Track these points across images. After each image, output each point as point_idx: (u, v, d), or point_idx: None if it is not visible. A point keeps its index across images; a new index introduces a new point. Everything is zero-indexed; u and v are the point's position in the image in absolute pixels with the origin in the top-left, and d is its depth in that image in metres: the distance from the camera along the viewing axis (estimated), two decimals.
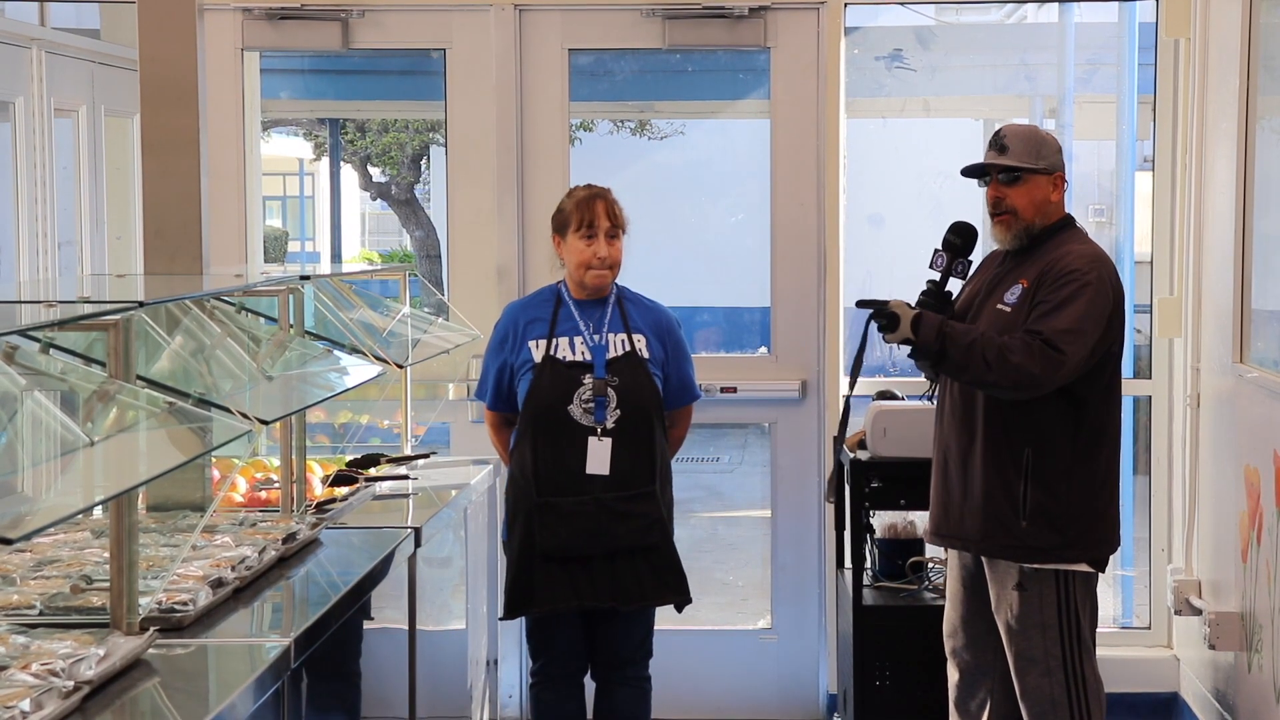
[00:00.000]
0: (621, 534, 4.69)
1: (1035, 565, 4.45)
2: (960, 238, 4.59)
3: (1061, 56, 7.90)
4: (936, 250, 4.59)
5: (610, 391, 4.71)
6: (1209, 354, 5.65)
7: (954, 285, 4.66)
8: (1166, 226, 6.06)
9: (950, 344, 4.37)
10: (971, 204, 4.67)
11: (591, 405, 4.70)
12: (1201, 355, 5.74)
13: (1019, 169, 4.49)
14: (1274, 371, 4.99)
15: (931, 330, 4.39)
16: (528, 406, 4.75)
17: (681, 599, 4.83)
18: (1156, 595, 6.21)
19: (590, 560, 4.69)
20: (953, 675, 4.74)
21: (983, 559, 4.56)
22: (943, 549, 4.89)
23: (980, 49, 8.65)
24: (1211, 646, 5.36)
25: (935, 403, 4.72)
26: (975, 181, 4.60)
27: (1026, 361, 4.32)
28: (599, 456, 4.68)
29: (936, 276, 4.58)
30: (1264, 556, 4.96)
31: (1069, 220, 4.60)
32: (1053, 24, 8.17)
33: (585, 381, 4.72)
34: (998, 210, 4.52)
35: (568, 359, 4.75)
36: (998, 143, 4.52)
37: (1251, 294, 5.26)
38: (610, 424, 4.70)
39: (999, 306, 4.48)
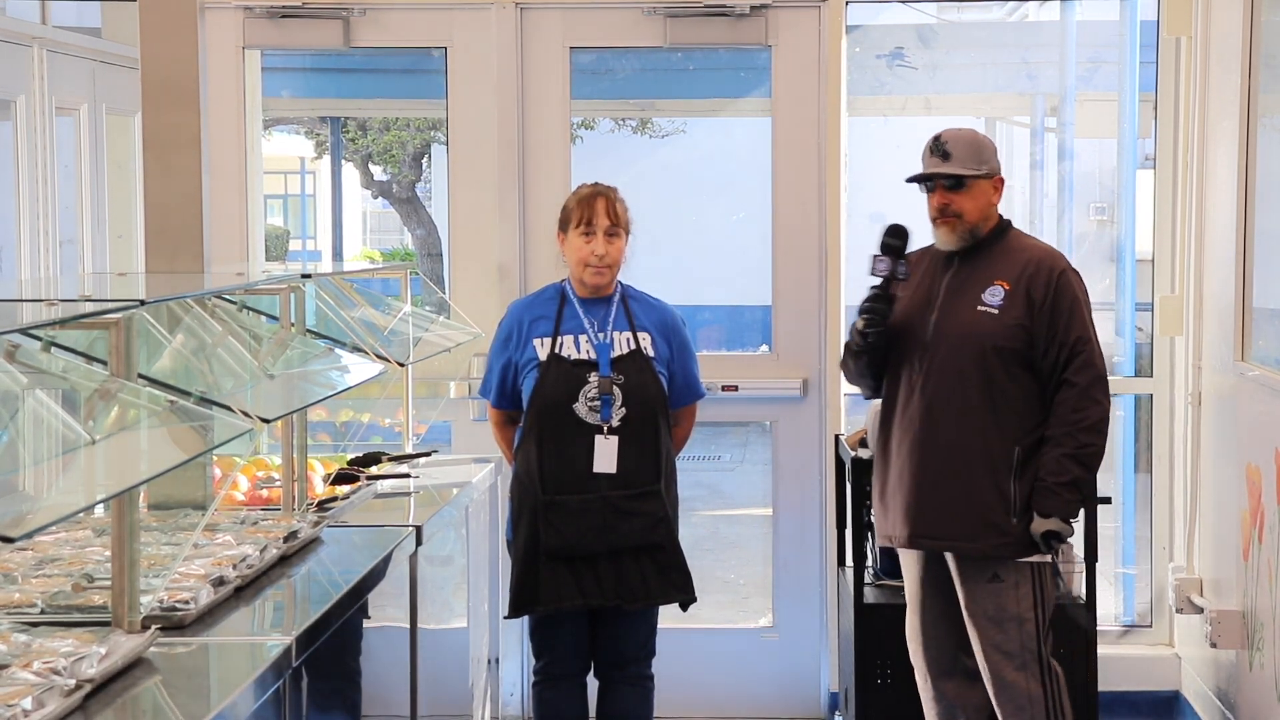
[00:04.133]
0: (627, 532, 4.69)
1: (1017, 559, 4.48)
2: (899, 239, 4.61)
3: (1063, 54, 7.89)
4: (876, 255, 4.58)
5: (616, 390, 4.70)
6: (1210, 352, 5.65)
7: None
8: (1168, 225, 6.06)
9: (1087, 477, 4.51)
10: None
11: (597, 403, 4.70)
12: (1203, 353, 5.74)
13: (963, 176, 4.52)
14: (1275, 370, 4.99)
15: (1071, 496, 4.49)
16: (533, 404, 4.74)
17: (686, 598, 4.83)
18: (1158, 593, 6.21)
19: (596, 559, 4.68)
20: (930, 710, 4.76)
21: (948, 555, 4.57)
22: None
23: (981, 47, 8.64)
24: (1213, 645, 5.36)
25: (884, 406, 4.70)
26: (917, 187, 4.63)
27: (1092, 408, 4.45)
28: (605, 455, 4.68)
29: (878, 282, 4.58)
30: (1265, 555, 4.96)
31: (1008, 221, 4.67)
32: (1054, 22, 8.15)
33: (590, 380, 4.71)
34: (943, 214, 4.55)
35: (573, 357, 4.74)
36: (940, 149, 4.56)
37: (1253, 292, 5.26)
38: (616, 422, 4.70)
39: (980, 309, 4.51)
